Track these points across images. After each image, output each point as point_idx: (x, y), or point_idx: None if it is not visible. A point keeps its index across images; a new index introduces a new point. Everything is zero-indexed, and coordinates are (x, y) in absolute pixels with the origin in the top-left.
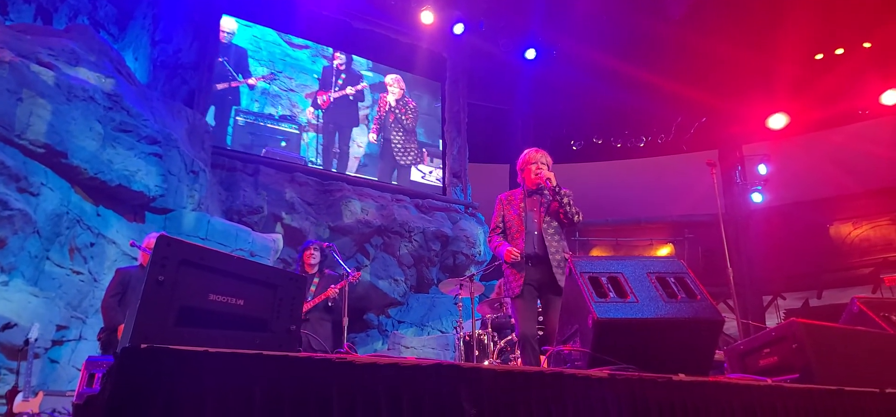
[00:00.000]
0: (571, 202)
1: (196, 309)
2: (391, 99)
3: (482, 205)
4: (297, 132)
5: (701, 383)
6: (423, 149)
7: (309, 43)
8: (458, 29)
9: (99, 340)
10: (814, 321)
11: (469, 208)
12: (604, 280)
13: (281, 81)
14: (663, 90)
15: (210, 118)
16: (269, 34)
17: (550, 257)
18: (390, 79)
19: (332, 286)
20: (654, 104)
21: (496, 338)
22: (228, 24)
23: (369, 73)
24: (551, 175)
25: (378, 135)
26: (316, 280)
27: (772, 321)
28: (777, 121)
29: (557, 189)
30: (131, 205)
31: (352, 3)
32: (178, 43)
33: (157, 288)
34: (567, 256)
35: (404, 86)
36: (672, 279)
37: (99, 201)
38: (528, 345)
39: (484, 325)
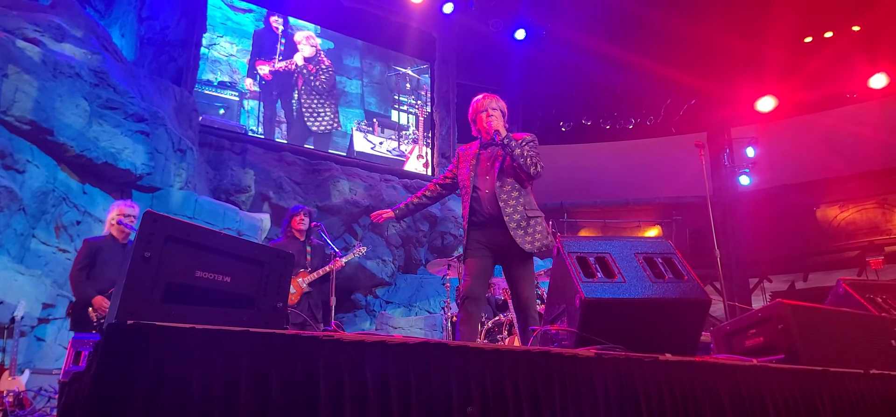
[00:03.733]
0: (527, 152)
1: (182, 286)
2: (299, 58)
3: None
4: (238, 100)
5: (687, 363)
6: (374, 120)
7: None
8: (448, 8)
9: (68, 316)
10: (799, 302)
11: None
12: (591, 259)
13: (220, 47)
14: (653, 72)
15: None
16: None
17: (506, 218)
18: (301, 35)
19: (340, 258)
20: (644, 86)
21: (484, 319)
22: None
23: (320, 38)
24: (501, 125)
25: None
26: (309, 248)
27: (758, 303)
28: (765, 103)
29: (507, 140)
30: (118, 183)
31: None
32: (165, 20)
33: (143, 264)
34: (532, 215)
35: (317, 44)
36: (660, 259)
37: (85, 179)
38: (466, 305)
39: None
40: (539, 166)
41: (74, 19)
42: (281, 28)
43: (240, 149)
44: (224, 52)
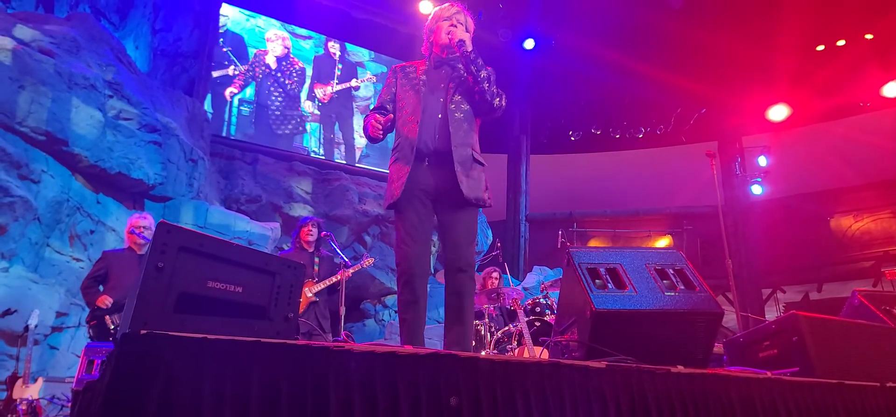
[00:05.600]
0: (492, 80)
1: (195, 296)
2: (271, 59)
3: None
4: (300, 122)
5: (700, 375)
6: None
7: (312, 34)
8: None
9: (89, 324)
10: (814, 314)
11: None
12: (602, 271)
13: (284, 71)
14: (662, 81)
15: (208, 105)
16: (273, 24)
17: (454, 151)
18: (272, 33)
19: (348, 268)
20: (653, 95)
21: (493, 329)
22: (230, 11)
23: (371, 64)
24: (467, 37)
25: (241, 94)
26: (317, 259)
27: (771, 314)
28: (778, 112)
29: (475, 56)
30: (131, 192)
31: None
32: (178, 31)
33: (156, 274)
34: (478, 158)
35: (289, 45)
36: (671, 270)
37: (99, 189)
38: (410, 285)
39: (480, 316)
40: (503, 99)
41: (90, 31)
42: (338, 54)
43: (251, 159)
44: (288, 76)
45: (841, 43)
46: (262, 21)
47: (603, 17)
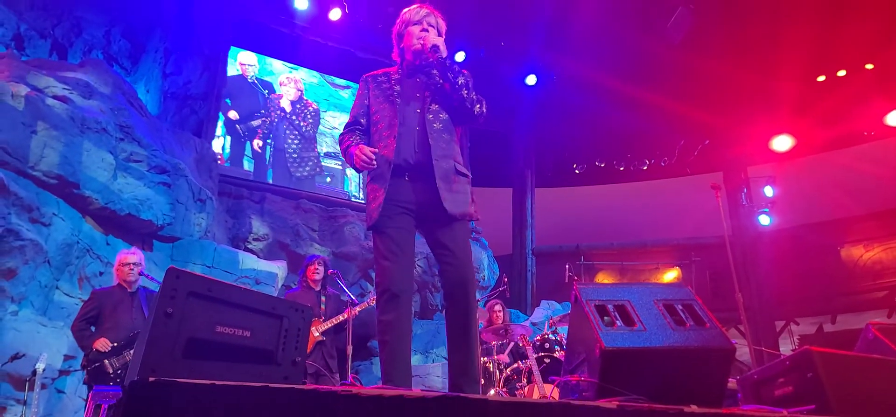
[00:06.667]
0: (470, 85)
1: (203, 341)
2: (286, 102)
3: (485, 229)
4: (341, 168)
5: (714, 414)
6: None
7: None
8: (460, 57)
9: (83, 369)
10: (829, 349)
11: (472, 233)
12: (610, 307)
13: (325, 120)
14: (665, 112)
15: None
16: (312, 75)
17: (434, 164)
18: (285, 77)
19: (355, 306)
20: (657, 126)
21: (502, 366)
22: (250, 57)
23: None
24: (440, 42)
25: (264, 143)
26: (323, 297)
27: (786, 347)
28: (781, 142)
29: (449, 62)
30: (140, 233)
31: (355, 34)
32: (188, 74)
33: (165, 320)
34: (461, 169)
35: (302, 88)
36: (680, 305)
37: (109, 230)
38: (391, 304)
39: (489, 353)
40: (484, 105)
41: (102, 77)
42: None
43: (259, 198)
44: (328, 125)
45: (841, 73)
46: (279, 64)
47: (603, 51)
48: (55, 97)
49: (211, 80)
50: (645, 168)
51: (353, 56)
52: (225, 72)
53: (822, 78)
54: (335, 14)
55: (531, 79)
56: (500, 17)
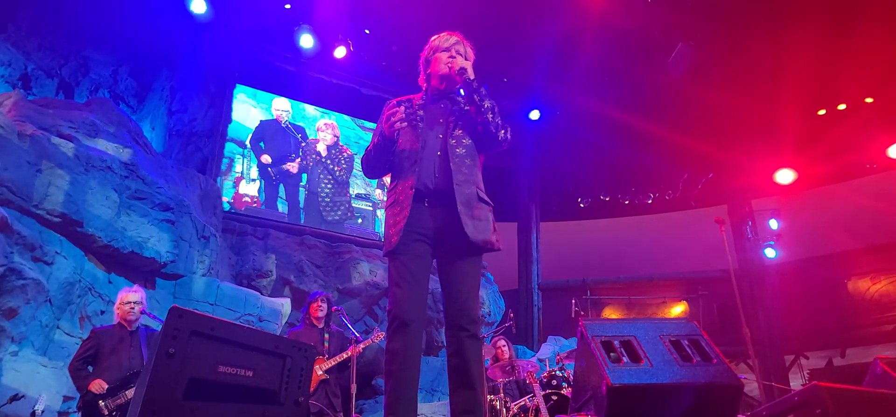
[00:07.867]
0: (496, 110)
1: (205, 382)
2: (322, 147)
3: (490, 264)
4: (371, 209)
5: None
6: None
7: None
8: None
9: (78, 410)
10: (838, 384)
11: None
12: (616, 343)
13: (357, 163)
14: (669, 146)
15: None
16: (343, 119)
17: (456, 190)
18: (322, 123)
19: (359, 344)
20: (661, 160)
21: (509, 403)
22: (283, 104)
23: None
24: (468, 65)
25: (297, 186)
26: (327, 335)
27: (796, 381)
28: (784, 176)
29: (477, 86)
30: (142, 271)
31: (360, 71)
32: (193, 112)
33: (167, 360)
34: (483, 197)
35: (339, 133)
36: (686, 341)
37: (111, 268)
38: (401, 332)
39: (495, 390)
40: (508, 132)
41: (108, 116)
42: None
43: (262, 234)
44: (359, 167)
45: (841, 107)
46: (312, 109)
47: (607, 85)
48: (60, 135)
49: (216, 117)
50: (650, 201)
51: (358, 93)
52: (230, 109)
53: (822, 112)
54: (340, 52)
55: (535, 114)
56: (502, 52)
